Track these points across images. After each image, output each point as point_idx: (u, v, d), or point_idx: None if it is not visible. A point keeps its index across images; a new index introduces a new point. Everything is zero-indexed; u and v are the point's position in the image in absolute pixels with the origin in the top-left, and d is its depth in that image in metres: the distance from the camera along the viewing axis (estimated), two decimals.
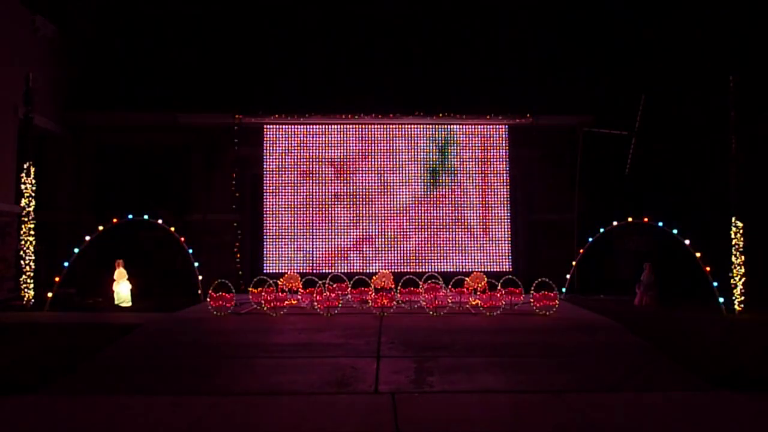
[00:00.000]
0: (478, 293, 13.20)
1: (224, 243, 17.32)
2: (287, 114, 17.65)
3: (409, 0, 17.67)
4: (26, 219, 13.98)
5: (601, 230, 15.11)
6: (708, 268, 13.21)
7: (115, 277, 14.12)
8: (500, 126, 17.92)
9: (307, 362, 8.33)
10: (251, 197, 17.86)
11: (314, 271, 16.87)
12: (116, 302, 13.91)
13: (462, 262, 17.67)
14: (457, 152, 17.92)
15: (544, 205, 17.69)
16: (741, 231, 13.26)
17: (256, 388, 7.17)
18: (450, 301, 12.94)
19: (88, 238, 13.85)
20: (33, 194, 14.13)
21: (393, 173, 17.88)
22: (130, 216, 14.35)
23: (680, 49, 16.62)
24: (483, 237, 17.77)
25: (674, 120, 16.47)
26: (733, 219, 13.33)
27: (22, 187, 14.11)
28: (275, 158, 17.88)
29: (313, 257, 17.64)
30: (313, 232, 17.69)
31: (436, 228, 17.79)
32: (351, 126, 17.89)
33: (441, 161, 17.93)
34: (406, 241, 17.76)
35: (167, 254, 15.59)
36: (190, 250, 15.01)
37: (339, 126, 17.87)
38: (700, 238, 13.59)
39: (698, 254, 13.30)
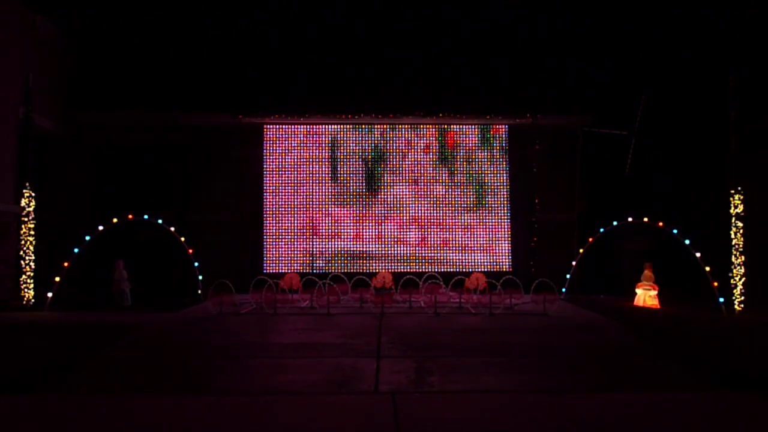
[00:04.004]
0: (478, 293, 13.21)
1: (224, 243, 17.32)
2: (287, 114, 17.67)
3: (409, 1, 17.64)
4: (26, 219, 13.98)
5: (601, 230, 15.11)
6: (708, 268, 13.21)
7: (115, 277, 14.13)
8: (500, 126, 17.95)
9: (307, 362, 8.33)
10: (251, 197, 17.86)
11: (314, 271, 16.90)
12: (116, 302, 13.91)
13: (462, 262, 17.69)
14: (457, 152, 17.93)
15: (544, 205, 17.69)
16: (741, 231, 13.25)
17: (256, 388, 7.16)
18: (450, 301, 12.94)
19: (88, 238, 13.86)
20: (33, 194, 14.13)
21: (393, 173, 17.90)
22: (130, 216, 14.36)
23: (680, 48, 16.61)
24: (483, 237, 17.78)
25: (674, 120, 16.47)
26: (733, 219, 13.32)
27: (22, 187, 14.11)
28: (275, 158, 17.90)
29: (313, 257, 17.65)
30: (313, 232, 17.71)
31: (436, 228, 17.80)
32: (351, 126, 17.90)
33: (441, 161, 17.95)
34: (406, 241, 17.77)
35: (167, 254, 15.59)
36: (190, 250, 15.02)
37: (339, 126, 17.89)
38: (700, 238, 13.58)
39: (698, 254, 13.30)
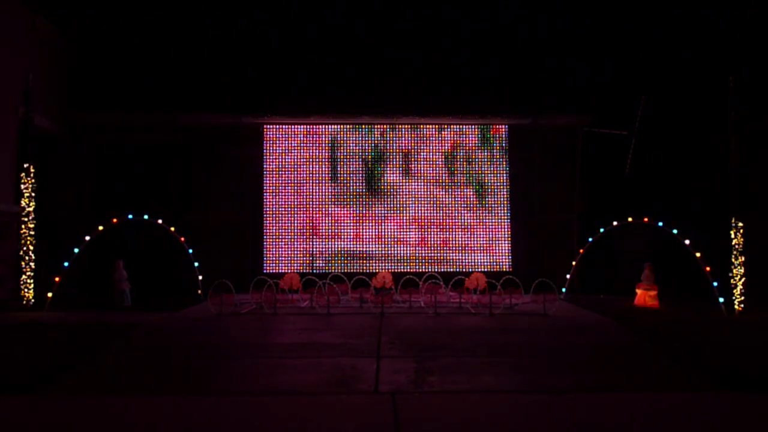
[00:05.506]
0: (478, 293, 13.20)
1: (224, 243, 17.32)
2: (287, 114, 17.68)
3: (409, 1, 17.65)
4: (26, 219, 13.98)
5: (601, 230, 15.11)
6: (708, 268, 13.21)
7: (115, 277, 14.13)
8: (500, 126, 17.96)
9: (307, 362, 8.33)
10: (251, 197, 17.86)
11: (314, 271, 16.90)
12: (116, 302, 13.91)
13: (462, 262, 17.69)
14: (457, 152, 17.94)
15: (544, 205, 17.70)
16: (741, 231, 13.25)
17: (256, 388, 7.16)
18: (450, 301, 12.94)
19: (88, 238, 13.85)
20: (33, 194, 14.12)
21: (393, 173, 17.91)
22: (130, 216, 14.36)
23: (680, 48, 16.61)
24: (483, 237, 17.78)
25: (674, 120, 16.47)
26: (733, 219, 13.31)
27: (22, 187, 14.11)
28: (275, 158, 17.90)
29: (313, 257, 17.65)
30: (313, 232, 17.71)
31: (436, 228, 17.81)
32: (351, 126, 17.91)
33: (441, 161, 17.96)
34: (406, 241, 17.77)
35: (167, 254, 15.59)
36: (190, 250, 15.02)
37: (339, 126, 17.90)
38: (700, 238, 13.58)
39: (698, 254, 13.30)
